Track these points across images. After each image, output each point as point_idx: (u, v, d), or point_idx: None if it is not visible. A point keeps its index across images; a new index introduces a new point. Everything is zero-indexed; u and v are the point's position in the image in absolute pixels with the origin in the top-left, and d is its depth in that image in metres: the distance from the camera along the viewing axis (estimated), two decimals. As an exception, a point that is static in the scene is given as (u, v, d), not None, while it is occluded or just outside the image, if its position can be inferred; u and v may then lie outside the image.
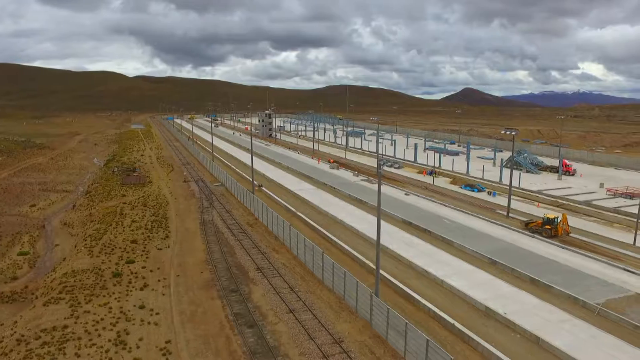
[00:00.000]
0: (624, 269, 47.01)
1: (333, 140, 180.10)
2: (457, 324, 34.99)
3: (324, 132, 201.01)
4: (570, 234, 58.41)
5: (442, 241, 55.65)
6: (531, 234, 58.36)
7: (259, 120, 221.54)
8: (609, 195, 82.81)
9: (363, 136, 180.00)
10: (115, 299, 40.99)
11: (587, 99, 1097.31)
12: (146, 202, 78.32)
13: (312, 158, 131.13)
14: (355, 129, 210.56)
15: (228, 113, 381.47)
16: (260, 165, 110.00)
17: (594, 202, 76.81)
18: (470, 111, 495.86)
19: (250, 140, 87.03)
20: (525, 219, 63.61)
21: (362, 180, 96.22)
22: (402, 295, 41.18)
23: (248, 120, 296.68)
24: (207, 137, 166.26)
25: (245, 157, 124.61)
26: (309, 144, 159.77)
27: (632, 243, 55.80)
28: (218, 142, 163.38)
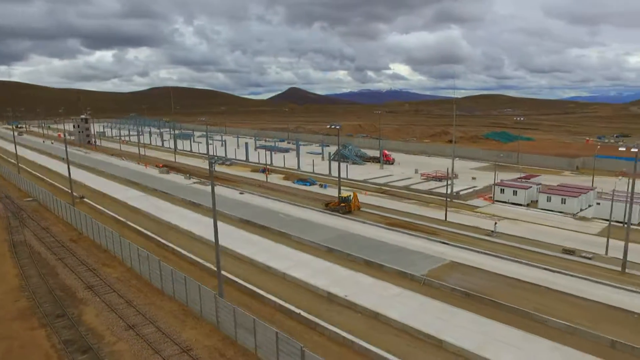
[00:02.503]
0: (440, 242, 53.35)
1: (160, 144, 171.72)
2: (303, 313, 35.89)
3: (150, 136, 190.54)
4: (360, 209, 68.08)
5: (281, 235, 56.68)
6: (330, 213, 66.99)
7: (74, 126, 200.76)
8: (423, 179, 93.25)
9: (192, 138, 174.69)
10: None
11: (398, 96, 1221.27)
12: None
13: (139, 164, 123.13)
14: (183, 131, 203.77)
15: (36, 119, 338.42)
16: (80, 175, 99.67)
17: (412, 187, 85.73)
18: (297, 109, 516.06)
19: (65, 148, 78.23)
20: (326, 200, 71.38)
21: (194, 182, 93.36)
22: (247, 293, 40.85)
23: (61, 126, 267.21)
24: (10, 147, 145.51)
25: (61, 167, 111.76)
26: (135, 149, 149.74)
27: (444, 219, 63.48)
28: (25, 153, 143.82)
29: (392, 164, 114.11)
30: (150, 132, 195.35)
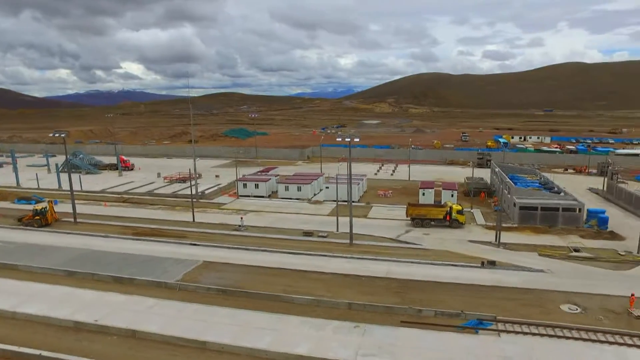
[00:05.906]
0: (191, 244, 53.27)
1: None
2: (44, 353, 31.21)
3: None
4: (58, 220, 64.29)
5: (3, 268, 47.97)
6: (24, 227, 61.86)
7: None
8: (166, 183, 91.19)
9: None
10: None
11: (131, 96, 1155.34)
12: None
13: None
14: None
15: None
16: None
17: (156, 191, 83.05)
18: (9, 115, 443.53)
19: None
20: (20, 215, 65.18)
21: None
22: (-35, 345, 33.53)
23: None
24: None
25: None
26: None
27: (192, 220, 63.47)
28: None
29: (132, 169, 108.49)
30: None
